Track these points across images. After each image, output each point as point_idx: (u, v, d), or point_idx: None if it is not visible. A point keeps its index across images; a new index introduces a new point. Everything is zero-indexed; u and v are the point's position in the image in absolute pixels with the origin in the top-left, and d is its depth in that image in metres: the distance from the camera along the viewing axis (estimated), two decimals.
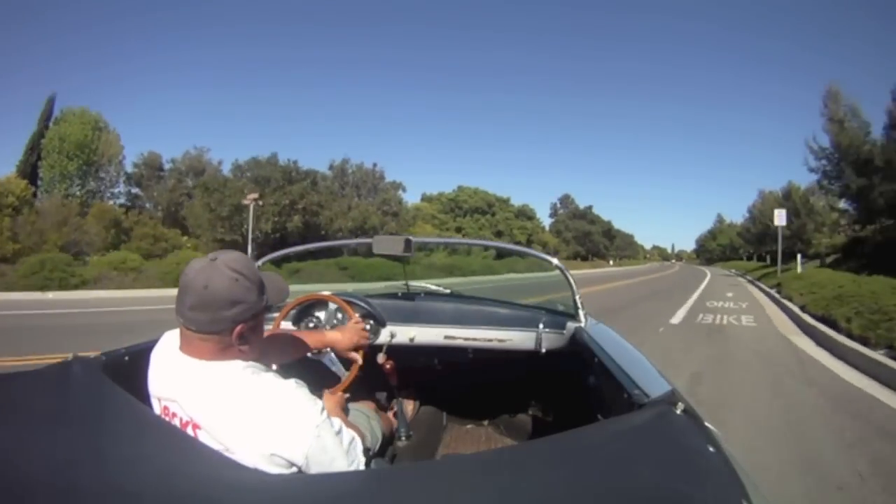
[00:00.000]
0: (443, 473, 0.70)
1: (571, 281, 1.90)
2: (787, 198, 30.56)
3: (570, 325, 1.81)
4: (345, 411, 1.34)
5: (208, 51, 77.53)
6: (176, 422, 0.85)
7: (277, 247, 26.65)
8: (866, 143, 14.81)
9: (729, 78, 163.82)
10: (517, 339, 1.85)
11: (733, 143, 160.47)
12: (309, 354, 1.50)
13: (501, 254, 31.11)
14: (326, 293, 1.84)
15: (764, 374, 4.86)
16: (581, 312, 1.82)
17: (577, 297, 1.86)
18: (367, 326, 1.74)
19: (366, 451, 1.04)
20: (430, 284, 2.47)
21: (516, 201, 59.82)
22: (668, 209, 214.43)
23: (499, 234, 54.87)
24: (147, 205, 27.43)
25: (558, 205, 71.14)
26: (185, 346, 0.87)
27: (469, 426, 2.20)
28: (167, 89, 65.89)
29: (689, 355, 5.69)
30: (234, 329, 0.85)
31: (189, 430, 0.83)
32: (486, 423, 2.20)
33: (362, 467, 0.92)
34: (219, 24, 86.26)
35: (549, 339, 1.79)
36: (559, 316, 1.89)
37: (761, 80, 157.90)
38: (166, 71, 66.39)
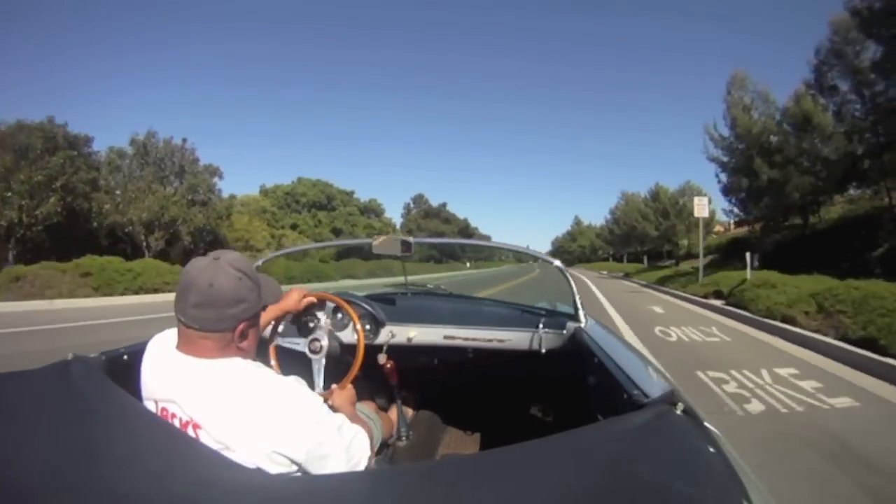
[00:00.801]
0: (442, 473, 0.69)
1: (571, 282, 1.89)
2: (655, 198, 31.05)
3: (570, 325, 1.81)
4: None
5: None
6: (175, 423, 0.83)
7: (40, 243, 18.20)
8: (778, 132, 13.29)
9: (587, 75, 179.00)
10: (517, 339, 1.85)
11: (592, 144, 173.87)
12: (308, 354, 1.60)
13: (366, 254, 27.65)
14: (326, 293, 1.79)
15: None
16: (581, 313, 1.83)
17: (577, 298, 1.86)
18: (368, 326, 1.82)
19: None
20: (429, 284, 2.56)
21: (363, 196, 54.85)
22: (522, 210, 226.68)
23: (337, 233, 48.76)
24: None
25: (412, 205, 67.93)
26: (185, 346, 0.86)
27: (469, 426, 2.22)
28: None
29: None
30: (237, 327, 0.86)
31: (189, 430, 0.82)
32: (485, 423, 2.21)
33: (364, 464, 0.91)
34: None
35: (548, 340, 1.79)
36: (559, 316, 1.91)
37: (625, 77, 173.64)
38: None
